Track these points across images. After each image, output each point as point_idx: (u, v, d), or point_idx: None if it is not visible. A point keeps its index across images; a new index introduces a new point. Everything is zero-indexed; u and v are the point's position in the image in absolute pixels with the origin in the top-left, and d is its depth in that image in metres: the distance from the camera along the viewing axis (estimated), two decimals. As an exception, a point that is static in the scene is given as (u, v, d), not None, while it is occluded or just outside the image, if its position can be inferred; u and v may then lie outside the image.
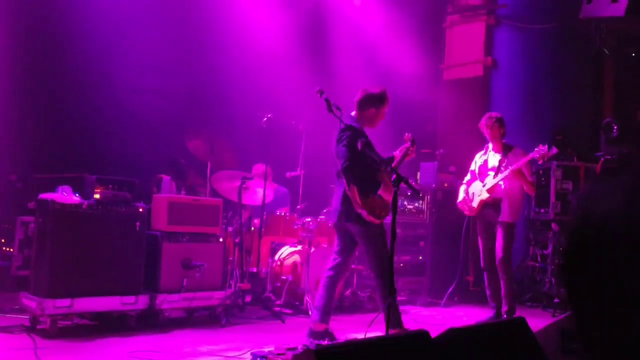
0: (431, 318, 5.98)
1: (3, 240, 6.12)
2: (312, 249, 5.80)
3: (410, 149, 4.53)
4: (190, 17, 7.31)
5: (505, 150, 5.60)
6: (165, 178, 5.57)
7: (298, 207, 6.33)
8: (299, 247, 6.02)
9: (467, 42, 8.50)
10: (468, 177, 5.87)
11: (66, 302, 4.35)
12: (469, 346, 2.21)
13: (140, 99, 6.66)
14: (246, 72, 7.48)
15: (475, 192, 5.67)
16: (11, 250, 5.90)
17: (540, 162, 5.53)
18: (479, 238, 5.71)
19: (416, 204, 7.14)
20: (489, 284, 5.59)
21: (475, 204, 5.62)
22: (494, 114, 5.69)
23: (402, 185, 3.60)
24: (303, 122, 6.22)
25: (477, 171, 5.75)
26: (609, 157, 6.26)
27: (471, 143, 7.99)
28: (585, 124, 7.61)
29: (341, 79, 8.14)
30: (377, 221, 4.36)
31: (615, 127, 6.28)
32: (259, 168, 6.31)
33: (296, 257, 5.96)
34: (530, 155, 5.32)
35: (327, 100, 3.83)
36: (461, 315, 6.13)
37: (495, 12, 8.42)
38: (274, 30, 7.75)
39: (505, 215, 5.47)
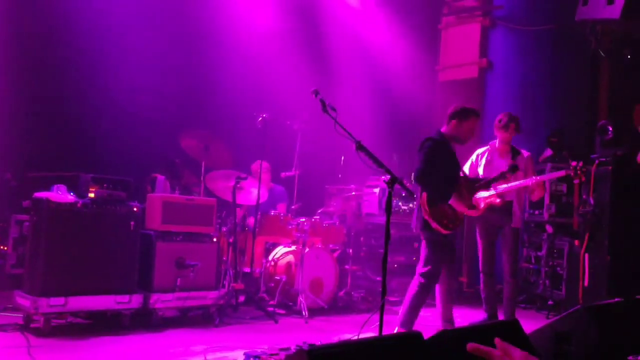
0: (425, 319, 5.97)
1: (-3, 239, 6.10)
2: (306, 250, 5.81)
3: (507, 173, 4.99)
4: (187, 17, 7.30)
5: (513, 153, 5.42)
6: (160, 177, 5.56)
7: (292, 207, 6.34)
8: (293, 248, 6.02)
9: (462, 44, 8.52)
10: (466, 171, 5.59)
11: (60, 300, 4.34)
12: (461, 347, 2.22)
13: (135, 98, 6.65)
14: (242, 72, 7.48)
15: (481, 194, 5.33)
16: (5, 248, 5.87)
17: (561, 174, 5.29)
18: (480, 240, 5.49)
19: (410, 205, 7.14)
20: (484, 287, 5.45)
21: (481, 205, 5.32)
22: (513, 115, 5.46)
23: (397, 186, 3.60)
24: (298, 122, 6.23)
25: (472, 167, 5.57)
26: (603, 159, 6.29)
27: (467, 144, 8.02)
28: (580, 126, 7.64)
29: (337, 80, 8.17)
30: (444, 231, 4.60)
31: (611, 129, 6.30)
32: (258, 165, 6.34)
33: (290, 258, 5.96)
34: (564, 172, 5.07)
35: (322, 101, 3.83)
36: (455, 317, 6.13)
37: (491, 13, 8.44)
38: (270, 31, 7.75)
39: (516, 221, 5.31)
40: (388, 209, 3.43)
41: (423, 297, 4.63)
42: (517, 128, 5.43)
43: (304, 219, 6.00)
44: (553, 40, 7.88)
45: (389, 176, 3.46)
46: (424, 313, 6.32)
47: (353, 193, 6.75)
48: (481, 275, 5.49)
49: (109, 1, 6.67)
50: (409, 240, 7.12)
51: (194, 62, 7.34)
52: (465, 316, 6.03)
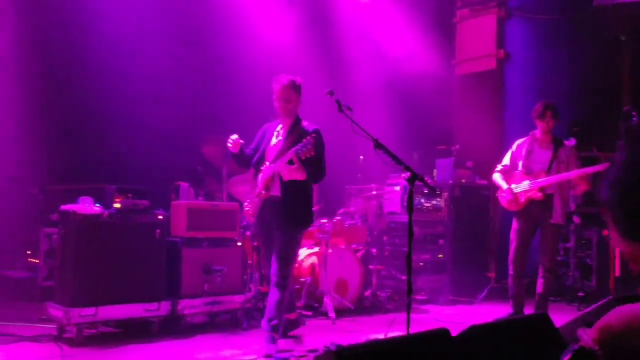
0: (453, 316, 5.95)
1: (28, 252, 6.24)
2: (329, 250, 5.81)
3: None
4: (204, 27, 7.37)
5: (556, 145, 5.23)
6: (183, 185, 5.62)
7: (313, 208, 6.33)
8: (316, 249, 6.04)
9: (478, 36, 8.45)
10: (506, 162, 5.43)
11: (91, 310, 4.42)
12: (491, 343, 2.20)
13: (155, 109, 6.74)
14: (259, 77, 7.51)
15: (521, 187, 5.23)
16: (36, 261, 6.00)
17: None
18: (515, 237, 5.27)
19: (433, 202, 7.10)
20: (513, 285, 5.29)
21: (521, 199, 5.19)
22: (548, 102, 5.28)
23: (419, 183, 3.59)
24: (315, 125, 6.22)
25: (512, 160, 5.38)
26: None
27: (487, 137, 7.97)
28: (603, 113, 7.52)
29: (352, 80, 8.16)
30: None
31: (635, 115, 6.17)
32: None
33: (314, 259, 5.97)
34: (608, 164, 4.87)
35: (337, 102, 3.85)
36: (483, 313, 6.09)
37: (506, 4, 8.35)
38: (285, 36, 7.79)
39: (557, 217, 5.11)
40: (409, 206, 3.43)
41: None
42: (554, 115, 5.21)
43: (325, 220, 6.01)
44: (571, 27, 7.77)
45: (409, 173, 3.46)
46: (450, 310, 6.31)
47: (374, 192, 6.73)
48: (510, 272, 5.32)
49: (132, 13, 6.76)
50: (434, 238, 7.08)
51: (210, 70, 7.42)
52: (493, 312, 5.99)
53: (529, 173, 5.27)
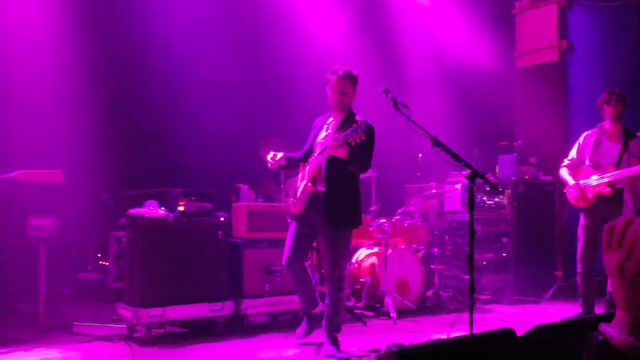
0: (518, 316, 5.80)
1: (99, 255, 6.52)
2: (389, 250, 5.78)
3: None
4: (259, 32, 7.50)
5: (626, 136, 4.97)
6: (243, 187, 5.73)
7: (371, 208, 6.32)
8: (376, 249, 6.02)
9: (539, 27, 8.19)
10: (573, 156, 5.22)
11: (158, 310, 4.57)
12: (557, 344, 2.14)
13: (215, 112, 6.92)
14: (314, 78, 7.57)
15: (588, 182, 5.02)
16: (107, 264, 6.26)
17: None
18: (583, 233, 5.06)
19: (496, 199, 6.94)
20: (582, 283, 5.08)
21: (589, 195, 4.99)
22: (614, 90, 5.04)
23: (481, 180, 3.52)
24: (372, 123, 6.21)
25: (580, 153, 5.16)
26: None
27: (551, 131, 7.72)
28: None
29: (409, 77, 8.10)
30: None
31: None
32: None
33: (373, 259, 5.96)
34: None
35: (393, 100, 3.82)
36: (550, 312, 5.91)
37: (569, -7, 8.07)
38: (337, 33, 7.82)
39: (628, 212, 4.87)
40: (470, 204, 3.36)
41: None
42: (620, 99, 4.95)
43: (384, 220, 5.98)
44: (637, 13, 7.41)
45: (469, 171, 3.40)
46: (515, 310, 6.15)
47: (434, 191, 6.65)
48: (579, 270, 5.12)
49: (190, 21, 6.96)
50: (497, 236, 6.92)
51: (266, 73, 7.53)
52: (560, 311, 5.79)
53: (597, 167, 5.05)
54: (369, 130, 3.98)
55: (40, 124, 6.09)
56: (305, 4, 7.76)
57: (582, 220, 5.13)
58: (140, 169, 6.83)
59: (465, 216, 6.62)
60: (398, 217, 6.33)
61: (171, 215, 4.77)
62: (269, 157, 4.27)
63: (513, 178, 6.94)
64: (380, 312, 5.72)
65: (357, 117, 4.14)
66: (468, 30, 8.31)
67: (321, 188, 4.08)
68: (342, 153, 3.88)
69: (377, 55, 7.85)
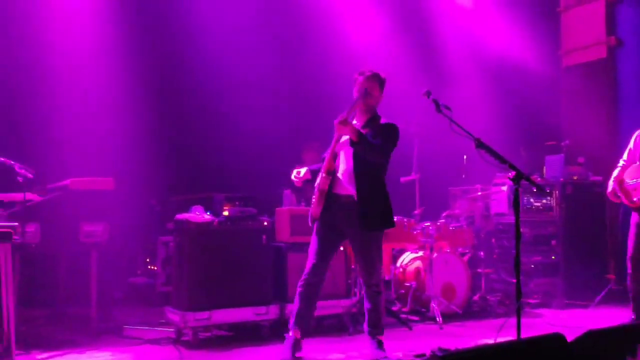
0: (568, 321, 5.65)
1: (148, 260, 6.70)
2: (434, 254, 5.72)
3: None
4: (298, 37, 7.57)
5: None
6: (286, 191, 5.78)
7: (415, 212, 6.27)
8: (421, 253, 5.96)
9: (586, 24, 7.98)
10: (625, 157, 5.00)
11: (205, 314, 4.65)
12: (609, 350, 2.08)
13: (258, 118, 7.02)
14: (354, 81, 7.58)
15: (633, 182, 4.81)
16: (155, 268, 6.42)
17: None
18: (635, 230, 4.84)
19: (544, 201, 6.78)
20: (632, 285, 4.91)
21: (634, 197, 4.78)
22: None
23: (525, 182, 3.45)
24: (414, 126, 6.17)
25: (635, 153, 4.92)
26: None
27: (600, 130, 7.49)
28: None
29: (451, 78, 8.01)
30: None
31: None
32: None
33: (418, 263, 5.90)
34: None
35: (435, 101, 3.77)
36: (602, 317, 5.72)
37: (617, -12, 7.83)
38: (378, 35, 7.80)
39: None
40: (516, 207, 3.31)
41: None
42: None
43: (428, 223, 5.93)
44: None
45: (514, 172, 3.34)
46: (565, 314, 5.98)
47: (479, 193, 6.55)
48: (629, 271, 4.94)
49: (231, 30, 7.09)
50: (545, 239, 6.76)
51: (306, 77, 7.58)
52: (613, 316, 5.61)
53: None
54: (390, 124, 3.97)
55: (91, 133, 6.31)
56: (344, 8, 7.79)
57: (635, 217, 4.90)
58: (186, 175, 7.00)
59: (512, 218, 6.47)
60: (443, 220, 6.26)
61: (216, 220, 4.86)
62: (293, 175, 4.13)
63: (561, 179, 6.78)
64: (426, 316, 5.66)
65: (382, 120, 4.08)
66: (511, 29, 8.17)
67: (345, 191, 3.95)
68: (348, 131, 3.81)
69: (418, 57, 7.80)
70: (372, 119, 4.09)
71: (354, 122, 4.12)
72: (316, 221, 4.08)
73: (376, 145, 3.91)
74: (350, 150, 3.95)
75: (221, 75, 6.99)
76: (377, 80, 4.10)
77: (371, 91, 4.05)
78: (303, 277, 4.06)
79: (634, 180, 4.87)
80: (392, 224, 4.12)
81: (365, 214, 3.93)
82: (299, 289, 4.07)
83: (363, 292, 4.22)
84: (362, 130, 3.83)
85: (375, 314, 4.14)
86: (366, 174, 3.95)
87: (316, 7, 7.55)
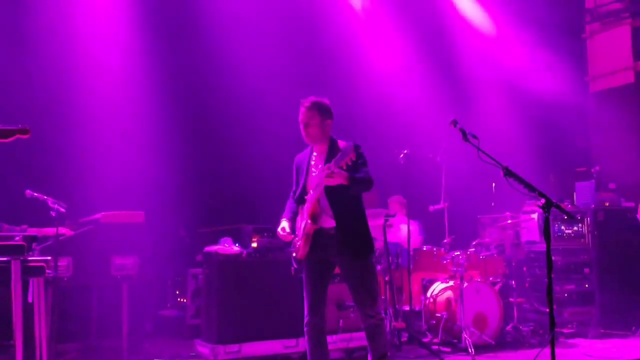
0: (605, 351, 5.48)
1: (177, 292, 6.73)
2: (465, 284, 5.64)
3: None
4: (324, 65, 7.67)
5: None
6: (314, 223, 5.79)
7: (445, 241, 6.22)
8: (451, 283, 5.88)
9: (612, 50, 7.94)
10: None
11: (235, 347, 4.65)
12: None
13: (284, 149, 7.06)
14: (379, 111, 7.65)
15: None
16: (184, 300, 6.45)
17: None
18: None
19: (575, 228, 6.66)
20: None
21: None
22: None
23: (555, 209, 3.41)
24: (441, 154, 6.17)
25: None
26: None
27: (630, 156, 7.37)
28: None
29: (478, 107, 8.01)
30: None
31: None
32: (395, 200, 6.54)
33: (449, 293, 5.82)
34: None
35: (462, 130, 3.76)
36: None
37: (641, 13, 7.81)
38: (404, 66, 7.87)
39: None
40: (547, 235, 3.27)
41: None
42: None
43: (458, 253, 5.86)
44: None
45: (543, 200, 3.31)
46: (602, 345, 5.81)
47: (509, 221, 6.46)
48: None
49: (258, 62, 7.22)
50: (578, 267, 6.62)
51: (334, 106, 7.64)
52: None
53: None
54: (357, 149, 3.77)
55: (122, 167, 6.43)
56: (368, 34, 7.91)
57: None
58: (215, 207, 7.07)
59: (543, 246, 6.36)
60: (473, 249, 6.18)
61: (245, 252, 4.89)
62: (280, 233, 3.97)
63: (592, 205, 6.66)
64: (457, 347, 5.56)
65: (340, 143, 3.96)
66: (537, 56, 8.17)
67: (327, 224, 3.81)
68: (339, 179, 3.68)
69: (444, 86, 7.83)
70: (331, 147, 3.94)
71: (314, 154, 4.02)
72: (303, 262, 3.94)
73: (364, 178, 3.81)
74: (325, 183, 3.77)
75: (251, 108, 7.11)
76: (316, 109, 3.95)
77: (310, 121, 3.93)
78: (305, 319, 3.91)
79: None
80: (374, 249, 4.01)
81: (356, 243, 3.82)
82: (307, 334, 3.93)
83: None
84: (332, 162, 3.66)
85: (380, 346, 3.91)
86: (346, 204, 3.83)
87: (344, 34, 7.67)
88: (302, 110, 3.97)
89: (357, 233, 3.84)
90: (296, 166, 4.14)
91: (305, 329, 3.92)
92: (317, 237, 3.80)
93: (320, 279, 3.93)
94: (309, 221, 3.76)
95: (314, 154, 4.03)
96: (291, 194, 4.14)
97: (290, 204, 4.10)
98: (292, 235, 3.93)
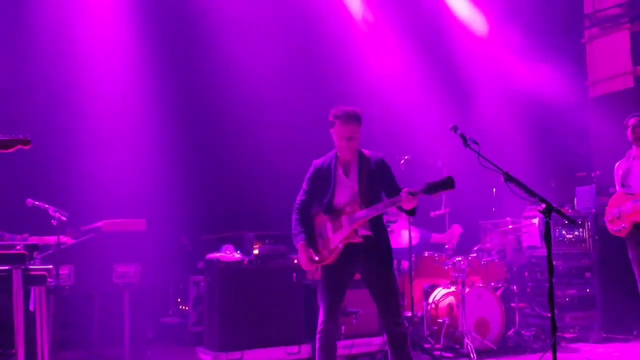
0: (607, 355, 5.48)
1: (179, 299, 6.73)
2: (467, 289, 5.64)
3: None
4: (324, 72, 7.70)
5: None
6: (316, 229, 5.79)
7: (447, 246, 6.22)
8: (453, 289, 5.88)
9: (611, 54, 7.97)
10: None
11: (237, 354, 4.65)
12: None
13: (285, 156, 7.09)
14: (380, 116, 7.66)
15: (623, 209, 4.93)
16: (186, 308, 6.45)
17: None
18: (634, 264, 5.00)
19: (576, 233, 6.67)
20: None
21: (625, 224, 4.90)
22: (635, 113, 5.04)
23: (556, 214, 3.42)
24: (441, 160, 6.18)
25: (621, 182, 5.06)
26: None
27: (632, 160, 7.36)
28: None
29: (479, 113, 8.02)
30: None
31: None
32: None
33: (451, 299, 5.82)
34: None
35: (462, 136, 3.78)
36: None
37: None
38: (405, 71, 7.89)
39: None
40: (547, 239, 3.27)
41: None
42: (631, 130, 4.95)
43: (460, 258, 5.86)
44: None
45: (544, 205, 3.31)
46: (604, 349, 5.80)
47: (510, 226, 6.47)
48: None
49: (260, 69, 7.25)
50: (580, 271, 6.62)
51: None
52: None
53: (631, 193, 4.91)
54: (385, 161, 3.92)
55: (123, 175, 6.44)
56: (368, 41, 7.95)
57: (628, 251, 5.07)
58: (216, 214, 7.07)
59: (545, 251, 6.37)
60: (474, 254, 6.19)
61: (246, 259, 4.90)
62: (309, 264, 3.88)
63: (593, 210, 6.66)
64: (459, 353, 5.55)
65: (365, 152, 3.98)
66: (537, 61, 8.19)
67: (365, 232, 3.82)
68: (415, 203, 3.69)
69: (445, 91, 7.86)
70: (361, 157, 3.96)
71: (338, 163, 4.00)
72: (324, 269, 3.88)
73: None
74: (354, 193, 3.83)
75: (253, 116, 7.13)
76: (360, 122, 3.93)
77: (355, 134, 3.90)
78: (321, 326, 3.81)
79: (620, 210, 4.96)
80: None
81: (387, 254, 3.86)
82: (320, 340, 3.84)
83: (387, 337, 3.90)
84: (420, 189, 3.68)
85: (406, 355, 3.89)
86: (378, 215, 3.85)
87: (340, 45, 7.71)
88: (349, 122, 3.90)
89: (387, 243, 3.89)
90: (316, 173, 4.07)
91: (318, 336, 3.85)
92: (348, 248, 3.80)
93: (342, 286, 3.88)
94: (341, 246, 3.77)
95: (339, 163, 3.99)
96: (300, 201, 4.08)
97: (301, 219, 4.00)
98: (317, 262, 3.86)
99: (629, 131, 5.07)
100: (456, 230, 6.44)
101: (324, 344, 3.83)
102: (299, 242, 3.88)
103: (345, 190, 3.88)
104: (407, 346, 3.89)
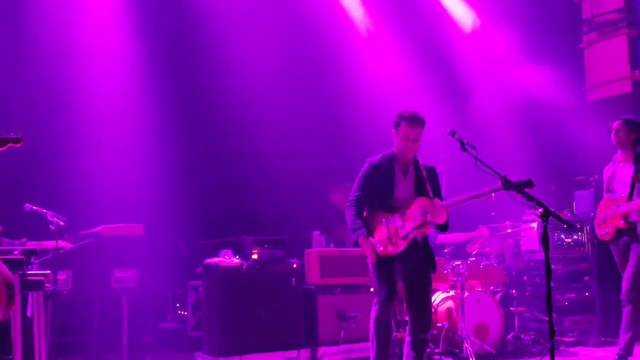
0: (605, 359, 5.47)
1: (178, 304, 6.71)
2: (466, 293, 5.63)
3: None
4: (323, 74, 7.72)
5: (637, 161, 4.84)
6: (315, 233, 5.80)
7: (445, 250, 6.22)
8: (452, 293, 5.88)
9: (609, 59, 7.99)
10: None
11: (236, 359, 4.63)
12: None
13: (286, 160, 7.10)
14: (379, 122, 7.66)
15: (608, 214, 4.92)
16: (185, 313, 6.43)
17: None
18: (619, 268, 4.95)
19: (575, 237, 6.67)
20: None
21: (609, 229, 4.90)
22: (620, 117, 5.03)
23: (553, 219, 3.42)
24: (440, 164, 6.18)
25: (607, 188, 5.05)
26: None
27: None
28: None
29: (477, 117, 8.03)
30: None
31: None
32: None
33: (450, 303, 5.81)
34: None
35: (460, 140, 3.80)
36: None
37: (638, 22, 7.87)
38: (405, 75, 7.90)
39: None
40: (545, 243, 3.28)
41: None
42: (629, 130, 4.93)
43: (459, 262, 5.86)
44: None
45: (542, 209, 3.32)
46: (603, 352, 5.79)
47: (509, 230, 6.47)
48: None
49: (262, 75, 7.26)
50: (578, 275, 6.62)
51: (335, 119, 7.68)
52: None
53: (614, 198, 4.91)
54: (434, 170, 4.15)
55: (121, 179, 6.43)
56: (367, 45, 7.96)
57: (614, 255, 5.00)
58: (215, 219, 7.06)
59: (543, 255, 6.37)
60: (473, 258, 6.18)
61: (245, 264, 4.89)
62: (378, 252, 3.90)
63: (592, 214, 6.66)
64: (459, 357, 5.54)
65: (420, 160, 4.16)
66: (535, 66, 8.21)
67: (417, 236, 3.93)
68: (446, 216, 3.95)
69: (444, 94, 7.87)
70: (417, 162, 4.10)
71: (395, 165, 4.09)
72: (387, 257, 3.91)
73: None
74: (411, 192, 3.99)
75: (251, 120, 7.13)
76: (424, 125, 4.05)
77: (419, 137, 4.03)
78: (380, 314, 3.86)
79: (605, 215, 4.95)
80: None
81: (431, 258, 4.03)
82: (378, 329, 3.86)
83: (410, 344, 3.93)
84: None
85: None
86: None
87: (343, 50, 7.72)
88: (416, 124, 4.01)
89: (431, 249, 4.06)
90: (372, 169, 4.10)
91: (379, 327, 3.88)
92: (410, 246, 3.91)
93: (394, 276, 3.94)
94: (404, 245, 3.87)
95: (397, 163, 4.09)
96: (356, 197, 4.06)
97: (358, 214, 4.00)
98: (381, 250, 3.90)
99: (612, 135, 5.03)
100: (484, 232, 6.41)
101: (381, 333, 3.89)
102: (361, 235, 3.91)
103: (402, 190, 4.01)
104: (424, 352, 3.98)
